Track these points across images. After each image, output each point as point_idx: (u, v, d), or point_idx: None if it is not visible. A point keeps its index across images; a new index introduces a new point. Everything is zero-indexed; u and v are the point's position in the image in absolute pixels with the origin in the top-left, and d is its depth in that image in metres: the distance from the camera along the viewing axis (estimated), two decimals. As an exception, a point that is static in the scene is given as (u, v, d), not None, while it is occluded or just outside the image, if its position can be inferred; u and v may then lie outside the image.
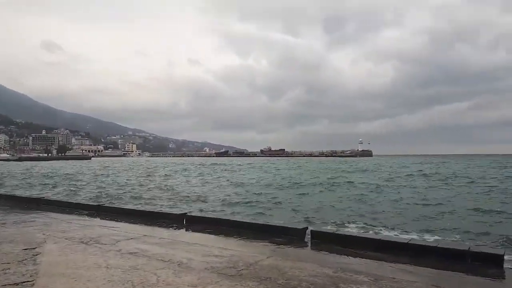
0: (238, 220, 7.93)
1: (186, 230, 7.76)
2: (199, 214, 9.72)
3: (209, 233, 7.18)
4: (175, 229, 7.91)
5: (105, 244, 5.89)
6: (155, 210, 9.47)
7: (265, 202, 17.93)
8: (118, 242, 6.08)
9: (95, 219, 9.08)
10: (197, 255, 5.25)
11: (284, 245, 6.29)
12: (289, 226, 7.24)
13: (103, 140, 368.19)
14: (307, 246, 6.53)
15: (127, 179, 35.65)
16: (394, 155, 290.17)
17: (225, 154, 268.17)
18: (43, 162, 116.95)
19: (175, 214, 8.85)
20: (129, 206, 11.70)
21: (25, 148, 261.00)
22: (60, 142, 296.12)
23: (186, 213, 8.88)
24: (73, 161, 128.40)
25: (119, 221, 8.54)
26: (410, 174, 40.08)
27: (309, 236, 6.85)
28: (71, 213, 9.95)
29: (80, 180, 35.38)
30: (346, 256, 5.60)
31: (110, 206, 10.56)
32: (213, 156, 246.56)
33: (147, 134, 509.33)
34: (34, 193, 21.77)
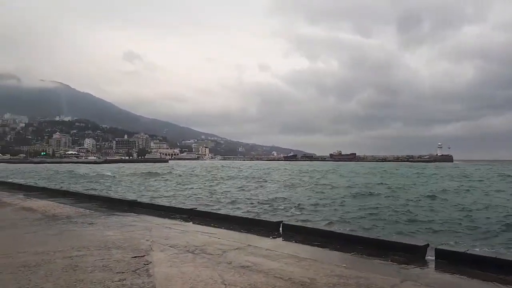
0: (344, 233, 7.22)
1: (284, 240, 7.22)
2: (296, 223, 9.16)
3: (313, 245, 6.58)
4: (273, 238, 7.43)
5: (212, 255, 5.55)
6: (249, 217, 9.12)
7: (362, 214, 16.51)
8: (225, 252, 5.70)
9: (190, 224, 8.93)
10: (318, 273, 4.66)
11: (406, 264, 5.50)
12: (409, 243, 6.36)
13: (178, 144, 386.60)
14: (427, 266, 5.67)
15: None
16: (477, 160, 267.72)
17: (293, 158, 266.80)
18: (130, 163, 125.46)
19: (271, 221, 8.37)
20: (222, 211, 11.52)
21: (110, 151, 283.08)
22: (140, 145, 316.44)
23: (283, 221, 8.38)
24: (153, 163, 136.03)
25: (215, 227, 8.28)
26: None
27: (432, 256, 5.97)
28: (166, 216, 9.95)
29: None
30: (489, 283, 4.69)
31: (203, 210, 10.44)
32: (282, 160, 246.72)
33: (219, 138, 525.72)
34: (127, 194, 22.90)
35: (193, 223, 9.29)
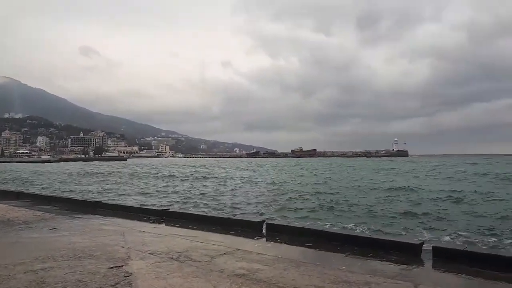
0: (333, 232, 6.85)
1: (270, 241, 6.75)
2: (280, 222, 8.72)
3: (304, 246, 6.17)
4: (257, 239, 6.96)
5: (199, 262, 4.98)
6: (229, 217, 8.56)
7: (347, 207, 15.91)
8: (213, 258, 5.15)
9: (164, 226, 8.29)
10: (323, 280, 4.22)
11: (406, 265, 5.21)
12: (404, 241, 6.09)
13: (137, 142, 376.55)
14: (423, 265, 5.42)
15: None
16: (430, 155, 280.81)
17: (256, 154, 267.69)
18: (86, 162, 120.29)
19: (253, 221, 7.88)
20: (198, 212, 10.87)
21: (64, 150, 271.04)
22: (97, 143, 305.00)
23: (265, 220, 7.93)
24: (112, 162, 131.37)
25: (193, 229, 7.69)
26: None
27: (430, 254, 5.73)
28: (135, 218, 9.23)
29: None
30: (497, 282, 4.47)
31: (177, 211, 9.77)
32: (244, 157, 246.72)
33: (180, 136, 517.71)
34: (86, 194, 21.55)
35: (166, 225, 8.65)
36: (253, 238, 7.11)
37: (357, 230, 9.67)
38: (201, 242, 6.19)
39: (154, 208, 10.29)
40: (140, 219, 9.23)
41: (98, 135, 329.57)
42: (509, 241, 9.85)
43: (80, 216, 9.69)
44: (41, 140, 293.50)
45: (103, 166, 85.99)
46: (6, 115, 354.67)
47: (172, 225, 8.36)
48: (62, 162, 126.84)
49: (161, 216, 9.34)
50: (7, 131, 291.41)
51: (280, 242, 6.55)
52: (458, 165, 69.31)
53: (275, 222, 7.90)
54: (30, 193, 15.05)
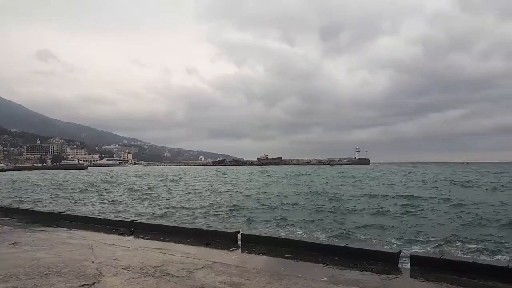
0: (310, 241, 6.78)
1: (247, 252, 6.58)
2: (255, 232, 8.56)
3: (282, 257, 6.05)
4: (233, 250, 6.79)
5: (177, 277, 4.75)
6: (202, 228, 8.29)
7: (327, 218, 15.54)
8: (191, 273, 4.93)
9: (133, 238, 7.94)
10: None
11: (386, 275, 5.21)
12: (382, 250, 6.11)
13: (98, 150, 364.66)
14: (401, 273, 5.46)
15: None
16: (390, 163, 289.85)
17: (221, 162, 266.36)
18: (43, 170, 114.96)
19: (228, 232, 7.70)
20: (168, 223, 10.51)
21: (20, 158, 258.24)
22: (55, 151, 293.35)
23: (240, 231, 7.76)
24: (69, 170, 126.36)
25: (165, 241, 7.40)
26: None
27: (407, 263, 5.79)
28: (102, 231, 8.81)
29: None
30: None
31: (147, 222, 9.39)
32: (210, 165, 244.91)
33: (142, 143, 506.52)
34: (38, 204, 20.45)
35: (136, 237, 8.29)
36: (229, 249, 6.93)
37: (331, 239, 9.71)
38: (175, 255, 5.94)
39: (122, 219, 9.86)
40: (107, 231, 8.81)
41: (57, 142, 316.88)
42: (474, 246, 10.22)
43: (42, 229, 9.13)
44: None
45: (60, 174, 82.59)
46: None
47: (142, 237, 8.02)
48: (16, 171, 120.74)
49: (129, 228, 8.95)
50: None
51: (257, 253, 6.40)
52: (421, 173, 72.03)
53: (250, 232, 7.73)
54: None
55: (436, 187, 33.77)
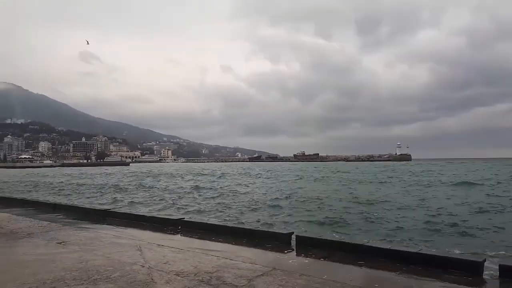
0: (380, 247, 6.08)
1: (304, 256, 6.00)
2: (311, 234, 7.95)
3: (356, 264, 5.44)
4: (287, 252, 6.23)
5: (236, 286, 4.24)
6: (253, 228, 7.81)
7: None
8: (251, 281, 4.40)
9: (182, 238, 7.57)
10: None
11: (471, 287, 4.48)
12: (463, 258, 5.34)
13: (139, 147, 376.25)
14: (485, 285, 4.69)
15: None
16: (433, 159, 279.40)
17: (258, 159, 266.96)
18: (88, 167, 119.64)
19: (281, 233, 7.14)
20: (217, 221, 10.12)
21: (66, 155, 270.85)
22: (99, 148, 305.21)
23: (293, 232, 7.18)
24: (113, 166, 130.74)
25: (216, 241, 6.96)
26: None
27: (493, 273, 5.00)
28: (149, 229, 8.53)
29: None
30: None
31: (193, 221, 9.01)
32: (247, 161, 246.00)
33: (181, 140, 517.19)
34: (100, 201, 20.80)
35: (183, 235, 7.92)
36: (283, 252, 6.37)
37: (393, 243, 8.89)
38: (230, 259, 5.44)
39: (169, 217, 9.56)
40: (154, 230, 8.51)
41: (100, 140, 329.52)
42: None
43: (88, 226, 8.97)
44: (43, 145, 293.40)
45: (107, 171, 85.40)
46: (8, 121, 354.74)
47: (190, 236, 7.63)
48: (64, 167, 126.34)
49: (176, 226, 8.62)
50: (9, 136, 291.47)
51: (316, 258, 5.80)
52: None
53: (306, 234, 7.14)
54: (34, 200, 14.34)
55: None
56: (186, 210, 17.31)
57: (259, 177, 49.36)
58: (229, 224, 9.69)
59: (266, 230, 7.59)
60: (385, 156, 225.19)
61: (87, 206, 13.40)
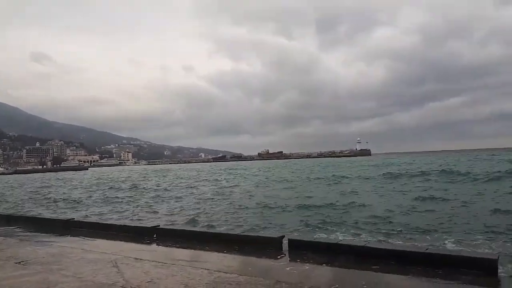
0: (380, 247, 5.64)
1: (299, 262, 5.48)
2: (304, 237, 7.43)
3: (345, 267, 4.96)
4: (279, 258, 5.71)
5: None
6: (237, 233, 7.16)
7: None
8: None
9: (161, 248, 6.85)
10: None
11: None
12: (476, 257, 4.97)
13: (97, 150, 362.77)
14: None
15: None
16: (390, 153, 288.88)
17: (222, 158, 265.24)
18: (39, 174, 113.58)
19: (271, 237, 6.55)
20: (194, 228, 9.36)
21: (20, 161, 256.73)
22: (55, 153, 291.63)
23: (284, 235, 6.63)
24: (70, 172, 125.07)
25: (199, 249, 6.32)
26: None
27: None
28: (120, 239, 7.73)
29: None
30: None
31: (170, 228, 8.25)
32: (211, 162, 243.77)
33: (142, 142, 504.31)
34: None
35: (159, 245, 7.20)
36: (275, 258, 5.82)
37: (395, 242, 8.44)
38: (224, 273, 4.79)
39: (141, 225, 8.74)
40: (127, 240, 7.70)
41: (56, 144, 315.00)
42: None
43: (51, 239, 8.01)
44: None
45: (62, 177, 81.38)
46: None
47: (169, 246, 6.92)
48: (17, 175, 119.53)
49: (151, 234, 7.84)
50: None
51: (316, 264, 5.28)
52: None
53: (299, 237, 6.61)
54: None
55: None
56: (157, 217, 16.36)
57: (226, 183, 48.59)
58: (211, 230, 9.00)
59: (252, 235, 6.98)
60: (346, 152, 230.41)
61: (48, 216, 12.22)
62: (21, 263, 5.60)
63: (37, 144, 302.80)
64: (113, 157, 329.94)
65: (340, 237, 9.10)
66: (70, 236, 8.58)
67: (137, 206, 20.42)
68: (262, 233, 8.53)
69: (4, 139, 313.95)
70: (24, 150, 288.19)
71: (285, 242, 6.32)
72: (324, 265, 5.19)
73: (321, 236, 7.56)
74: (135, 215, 16.41)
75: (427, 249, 5.31)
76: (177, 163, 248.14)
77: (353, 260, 5.30)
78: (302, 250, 5.99)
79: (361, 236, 9.66)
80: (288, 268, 5.22)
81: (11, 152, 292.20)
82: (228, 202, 19.81)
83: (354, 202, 17.59)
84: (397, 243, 8.16)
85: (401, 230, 10.84)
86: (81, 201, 24.70)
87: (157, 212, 17.54)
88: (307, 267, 5.17)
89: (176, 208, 18.67)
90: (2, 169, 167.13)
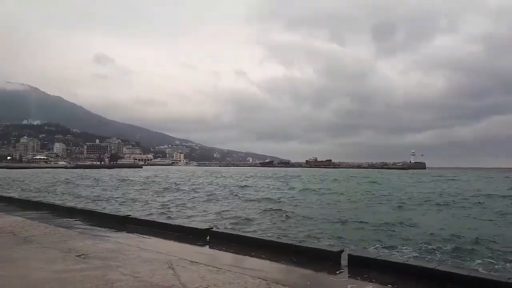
0: (458, 273, 5.13)
1: (360, 280, 5.14)
2: (369, 254, 7.02)
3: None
4: (339, 273, 5.39)
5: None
6: (292, 243, 6.89)
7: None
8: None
9: (215, 252, 6.76)
10: None
11: None
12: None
13: (152, 150, 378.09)
14: None
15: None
16: (448, 167, 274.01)
17: (269, 164, 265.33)
18: (101, 169, 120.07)
19: (329, 251, 6.22)
20: (248, 233, 9.23)
21: (80, 157, 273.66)
22: (112, 151, 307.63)
23: (343, 250, 6.27)
24: (126, 169, 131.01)
25: (253, 257, 6.17)
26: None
27: None
28: (174, 239, 7.77)
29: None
30: None
31: (226, 232, 8.19)
32: (258, 166, 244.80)
33: (193, 144, 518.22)
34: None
35: (212, 248, 7.11)
36: (334, 273, 5.51)
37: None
38: (282, 285, 4.54)
39: (195, 226, 8.72)
40: (180, 240, 7.72)
41: (114, 142, 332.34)
42: None
43: (108, 234, 8.24)
44: (58, 147, 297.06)
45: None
46: (25, 122, 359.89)
47: (223, 250, 6.81)
48: (78, 169, 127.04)
49: (204, 236, 7.79)
50: (25, 137, 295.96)
51: (380, 284, 4.90)
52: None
53: (360, 253, 6.20)
54: (50, 204, 13.69)
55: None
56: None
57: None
58: (264, 237, 8.80)
59: (309, 246, 6.69)
60: (399, 164, 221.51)
61: (106, 211, 12.66)
62: (81, 256, 5.70)
63: (97, 141, 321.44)
64: (166, 157, 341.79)
65: (405, 256, 8.51)
66: (126, 232, 8.77)
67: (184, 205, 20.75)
68: (320, 245, 8.18)
69: (68, 135, 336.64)
70: (85, 146, 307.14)
71: (344, 257, 5.98)
72: (390, 286, 4.79)
73: (383, 254, 7.05)
74: (189, 216, 16.56)
75: (509, 279, 4.73)
76: (226, 166, 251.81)
77: (425, 283, 4.87)
78: (363, 267, 5.62)
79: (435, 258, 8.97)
80: (349, 286, 4.90)
81: (74, 147, 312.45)
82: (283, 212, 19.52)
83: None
84: (482, 272, 7.43)
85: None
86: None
87: (208, 212, 17.72)
88: (370, 287, 4.81)
89: (225, 210, 18.71)
90: (65, 163, 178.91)
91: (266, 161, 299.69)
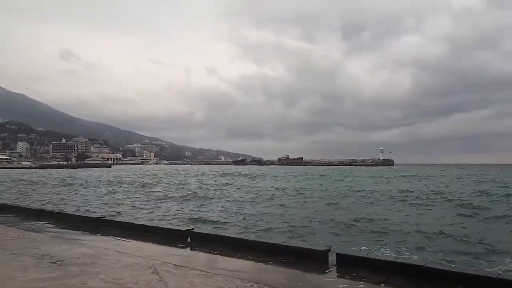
0: (467, 273, 5.11)
1: (346, 278, 5.05)
2: (354, 252, 6.95)
3: None
4: (327, 272, 5.30)
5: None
6: (277, 243, 6.73)
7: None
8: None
9: (196, 253, 6.52)
10: None
11: None
12: None
13: (121, 148, 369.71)
14: None
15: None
16: (414, 164, 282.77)
17: (242, 162, 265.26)
18: (66, 169, 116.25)
19: (315, 250, 6.10)
20: (231, 234, 9.00)
21: (46, 156, 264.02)
22: (79, 150, 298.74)
23: (330, 249, 6.18)
24: (96, 168, 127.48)
25: (240, 258, 5.95)
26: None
27: None
28: (154, 241, 7.44)
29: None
30: None
31: (205, 232, 7.92)
32: (230, 164, 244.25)
33: (164, 143, 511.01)
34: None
35: (195, 250, 6.86)
36: (323, 273, 5.39)
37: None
38: None
39: (175, 228, 8.43)
40: (159, 242, 7.41)
41: (81, 141, 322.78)
42: None
43: (83, 238, 7.80)
44: (21, 146, 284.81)
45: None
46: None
47: (205, 252, 6.55)
48: (43, 169, 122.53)
49: (185, 237, 7.51)
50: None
51: (371, 283, 4.82)
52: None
53: (349, 252, 6.11)
54: (16, 206, 12.95)
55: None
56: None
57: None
58: (249, 237, 8.62)
59: (294, 245, 6.54)
60: (368, 161, 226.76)
61: (78, 213, 12.11)
62: (57, 263, 5.33)
63: (63, 140, 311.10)
64: (135, 156, 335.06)
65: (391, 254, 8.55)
66: (101, 235, 8.35)
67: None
68: (306, 244, 8.08)
69: (32, 134, 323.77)
70: (51, 146, 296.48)
71: (332, 256, 5.88)
72: (382, 285, 4.72)
73: (370, 252, 7.04)
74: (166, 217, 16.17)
75: (499, 275, 4.77)
76: (197, 165, 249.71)
77: (413, 281, 4.82)
78: (351, 266, 5.53)
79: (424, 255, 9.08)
80: (341, 286, 4.79)
81: (38, 146, 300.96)
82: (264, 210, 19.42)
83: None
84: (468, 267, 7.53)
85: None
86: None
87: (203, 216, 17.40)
88: (362, 286, 4.72)
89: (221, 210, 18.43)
90: (29, 163, 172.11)
91: (239, 159, 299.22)
